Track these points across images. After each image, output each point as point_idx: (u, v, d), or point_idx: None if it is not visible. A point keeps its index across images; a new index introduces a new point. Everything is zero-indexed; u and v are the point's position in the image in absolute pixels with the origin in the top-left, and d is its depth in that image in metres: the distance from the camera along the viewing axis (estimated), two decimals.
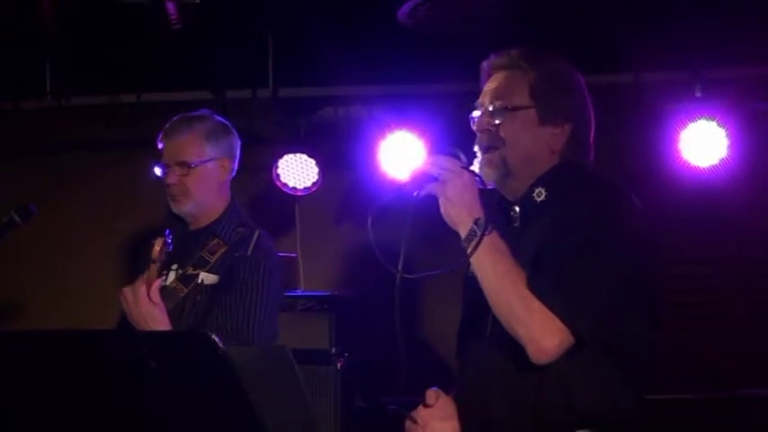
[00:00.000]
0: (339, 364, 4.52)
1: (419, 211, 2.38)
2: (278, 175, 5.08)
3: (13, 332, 2.74)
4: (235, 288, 3.24)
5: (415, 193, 2.38)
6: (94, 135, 5.59)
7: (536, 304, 2.35)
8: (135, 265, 3.52)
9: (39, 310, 5.55)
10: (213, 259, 3.22)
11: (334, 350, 4.60)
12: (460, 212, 2.37)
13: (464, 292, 2.74)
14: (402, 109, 4.99)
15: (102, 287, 5.46)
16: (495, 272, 2.37)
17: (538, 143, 2.58)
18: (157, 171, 3.46)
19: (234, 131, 3.53)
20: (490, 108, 2.60)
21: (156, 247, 3.07)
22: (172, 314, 3.19)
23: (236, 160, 3.52)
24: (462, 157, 2.45)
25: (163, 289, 3.20)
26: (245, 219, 3.46)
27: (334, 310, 4.73)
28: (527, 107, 2.58)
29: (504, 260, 2.38)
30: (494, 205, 2.60)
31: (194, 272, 3.21)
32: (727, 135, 4.70)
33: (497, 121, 2.58)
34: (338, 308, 4.76)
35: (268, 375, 2.04)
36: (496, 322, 2.46)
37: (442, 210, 2.39)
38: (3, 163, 5.68)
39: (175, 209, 3.42)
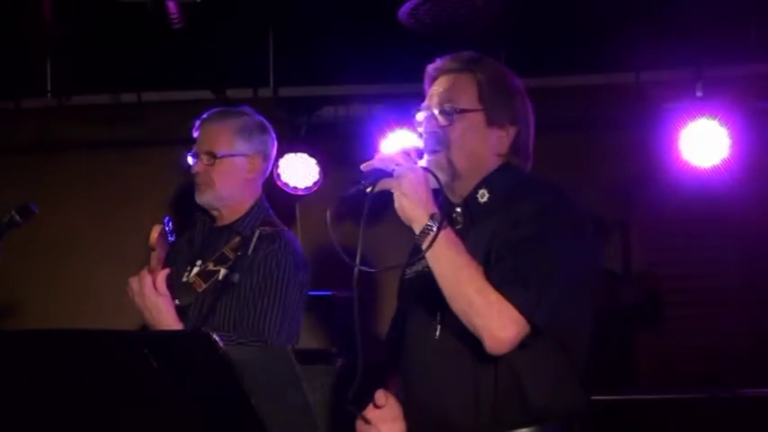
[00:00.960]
0: (339, 364, 4.52)
1: (374, 206, 2.40)
2: (278, 175, 5.08)
3: (13, 331, 2.74)
4: (254, 286, 3.22)
5: (369, 189, 2.40)
6: (95, 134, 5.59)
7: (493, 296, 2.38)
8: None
9: (39, 309, 5.55)
10: (234, 256, 3.23)
11: (334, 350, 4.60)
12: (415, 207, 2.40)
13: (402, 296, 2.78)
14: (403, 108, 4.98)
15: (102, 287, 5.46)
16: (452, 265, 2.40)
17: (484, 145, 2.63)
18: (189, 160, 3.46)
19: (270, 131, 3.50)
20: (437, 110, 2.63)
21: (154, 234, 3.06)
22: (191, 309, 3.19)
23: (270, 161, 3.50)
24: (413, 154, 2.48)
25: (182, 284, 3.20)
26: (270, 218, 3.42)
27: (334, 310, 4.73)
28: (475, 110, 2.62)
29: (460, 253, 2.41)
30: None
31: (215, 268, 3.21)
32: (727, 134, 4.69)
33: (445, 123, 2.61)
34: (338, 308, 4.75)
35: (269, 375, 2.04)
36: (445, 324, 2.51)
37: (396, 205, 2.42)
38: (3, 162, 5.68)
39: (197, 198, 3.40)
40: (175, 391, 2.01)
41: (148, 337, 2.07)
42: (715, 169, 4.75)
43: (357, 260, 2.38)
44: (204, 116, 3.47)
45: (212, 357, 1.94)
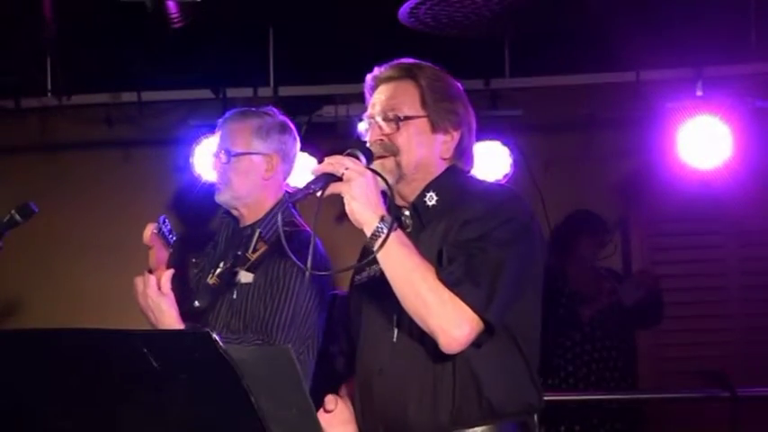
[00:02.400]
0: (341, 364, 4.52)
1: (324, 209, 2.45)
2: None
3: (13, 331, 2.74)
4: (266, 286, 3.21)
5: (319, 194, 2.43)
6: (95, 134, 5.59)
7: (446, 295, 2.42)
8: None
9: (39, 309, 5.55)
10: (253, 258, 3.21)
11: (335, 349, 4.59)
12: (365, 211, 2.43)
13: (354, 304, 2.78)
14: None
15: (101, 286, 5.47)
16: (405, 266, 2.44)
17: (430, 151, 2.66)
18: (212, 160, 3.45)
19: (291, 132, 3.46)
20: (380, 118, 2.67)
21: (147, 232, 3.05)
22: (208, 310, 3.19)
23: (290, 161, 3.46)
24: (361, 157, 2.52)
25: (203, 285, 3.22)
26: (292, 218, 3.36)
27: (334, 309, 4.72)
28: (419, 116, 2.65)
29: (412, 254, 2.45)
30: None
31: (233, 269, 3.20)
32: (727, 133, 4.69)
33: (390, 131, 2.64)
34: (338, 307, 4.75)
35: (269, 375, 2.04)
36: (402, 327, 2.55)
37: (347, 208, 2.45)
38: (3, 161, 5.68)
39: (216, 198, 3.38)
40: (175, 391, 2.01)
41: (148, 336, 2.06)
42: (715, 169, 4.75)
43: (308, 263, 2.45)
44: (226, 115, 3.45)
45: (212, 357, 1.94)
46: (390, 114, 2.66)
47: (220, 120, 3.46)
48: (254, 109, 3.49)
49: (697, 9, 4.49)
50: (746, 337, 5.62)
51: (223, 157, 3.35)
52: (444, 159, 2.68)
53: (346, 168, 2.44)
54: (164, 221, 3.11)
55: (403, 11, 4.37)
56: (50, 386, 2.12)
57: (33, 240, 5.09)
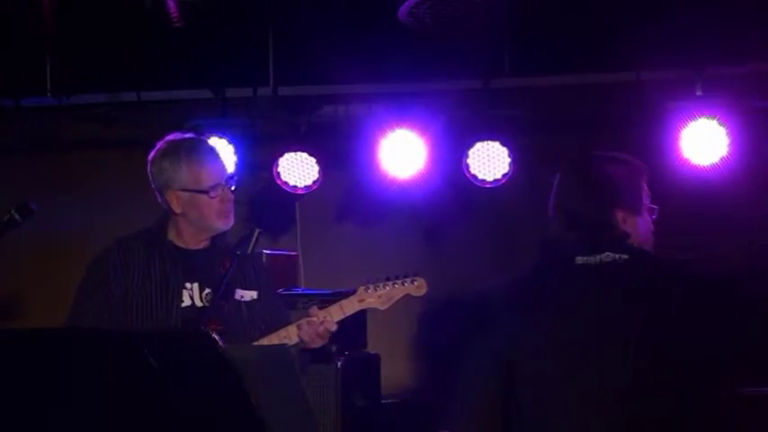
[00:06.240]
0: (339, 363, 4.52)
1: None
2: (278, 174, 5.07)
3: (13, 331, 2.74)
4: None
5: None
6: (95, 134, 5.59)
7: None
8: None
9: (38, 309, 5.54)
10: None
11: (334, 348, 4.59)
12: None
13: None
14: (402, 107, 4.99)
15: None
16: None
17: None
18: (216, 193, 3.35)
19: None
20: None
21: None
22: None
23: None
24: None
25: (187, 308, 3.24)
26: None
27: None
28: None
29: None
30: None
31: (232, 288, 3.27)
32: (727, 133, 4.69)
33: None
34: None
35: (269, 374, 2.04)
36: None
37: None
38: (3, 161, 5.68)
39: (225, 226, 3.37)
40: (175, 391, 2.01)
41: (148, 336, 2.06)
42: (714, 168, 4.75)
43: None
44: (202, 150, 3.42)
45: (212, 357, 1.94)
46: None
47: (200, 160, 3.40)
48: (191, 138, 3.49)
49: (697, 9, 4.50)
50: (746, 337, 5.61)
51: (228, 187, 3.37)
52: None
53: None
54: None
55: (403, 11, 4.37)
56: (51, 386, 2.12)
57: (33, 240, 5.09)
